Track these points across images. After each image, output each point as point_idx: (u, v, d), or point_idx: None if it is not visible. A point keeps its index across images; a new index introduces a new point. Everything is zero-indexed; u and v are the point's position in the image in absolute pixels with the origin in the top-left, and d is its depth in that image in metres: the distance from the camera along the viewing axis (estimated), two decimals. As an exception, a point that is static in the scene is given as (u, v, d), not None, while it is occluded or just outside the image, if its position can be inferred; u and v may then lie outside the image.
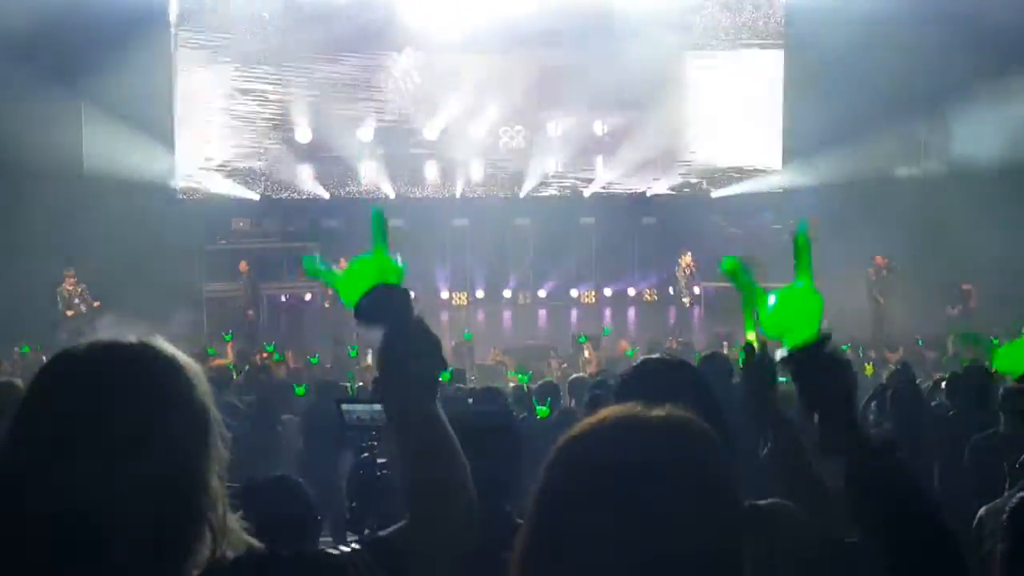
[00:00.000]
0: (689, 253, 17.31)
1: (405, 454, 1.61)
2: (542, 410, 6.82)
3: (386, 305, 1.61)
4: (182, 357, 1.32)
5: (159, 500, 1.22)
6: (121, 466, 1.20)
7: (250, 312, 15.75)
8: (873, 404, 6.66)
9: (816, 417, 1.65)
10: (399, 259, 1.65)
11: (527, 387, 8.05)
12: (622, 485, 1.20)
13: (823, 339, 1.63)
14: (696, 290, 17.32)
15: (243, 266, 15.80)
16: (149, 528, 1.21)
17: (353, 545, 1.48)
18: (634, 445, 1.24)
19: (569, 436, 1.30)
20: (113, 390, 1.24)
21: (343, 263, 1.69)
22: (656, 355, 2.56)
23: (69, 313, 14.20)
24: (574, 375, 9.20)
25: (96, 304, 14.25)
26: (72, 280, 14.43)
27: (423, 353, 1.59)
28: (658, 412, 1.28)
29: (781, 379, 2.00)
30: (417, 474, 1.58)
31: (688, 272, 17.40)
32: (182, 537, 1.24)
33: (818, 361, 1.62)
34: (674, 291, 17.22)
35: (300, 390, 9.25)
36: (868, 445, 1.61)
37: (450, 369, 8.75)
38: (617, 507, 1.19)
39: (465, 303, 19.00)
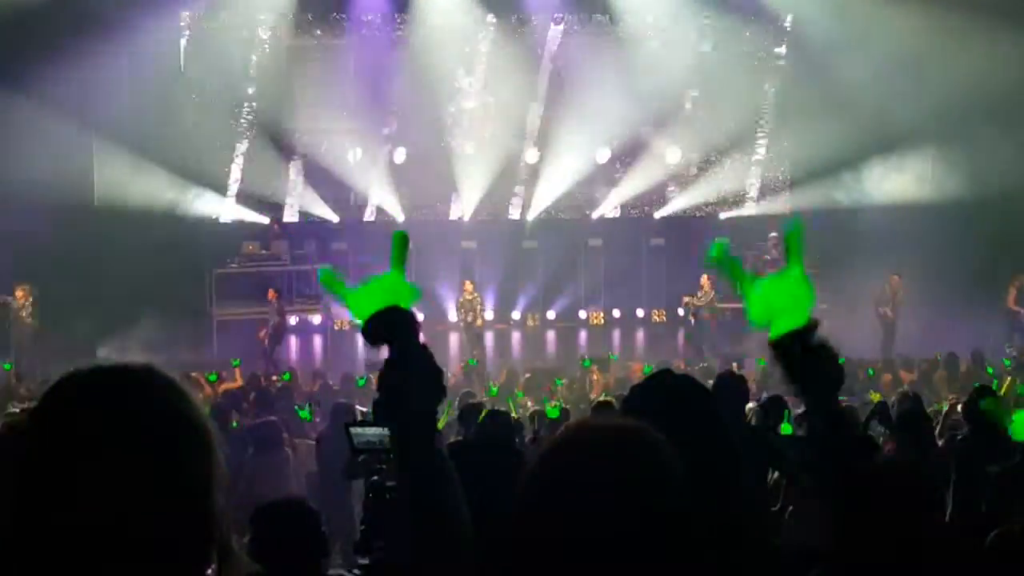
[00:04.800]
0: (704, 276, 16.53)
1: (403, 477, 1.63)
2: None
3: (393, 328, 1.61)
4: (177, 378, 1.35)
5: (169, 519, 1.23)
6: (129, 485, 1.21)
7: (263, 335, 15.73)
8: (875, 421, 6.61)
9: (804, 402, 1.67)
10: (414, 282, 1.65)
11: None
12: (573, 489, 1.31)
13: (810, 327, 1.62)
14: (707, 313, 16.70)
15: (271, 294, 15.90)
16: (160, 546, 1.22)
17: (355, 571, 1.50)
18: (584, 453, 1.36)
19: (539, 451, 1.42)
20: (116, 410, 1.25)
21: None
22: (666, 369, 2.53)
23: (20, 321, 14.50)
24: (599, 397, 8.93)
25: (30, 322, 14.45)
26: (23, 292, 14.66)
27: (424, 381, 1.60)
28: (609, 422, 1.39)
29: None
30: (415, 497, 1.59)
31: (710, 296, 16.52)
32: (192, 554, 1.25)
33: (804, 349, 1.62)
34: (695, 315, 16.45)
35: (304, 413, 9.20)
36: (850, 441, 1.65)
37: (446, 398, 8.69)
38: (568, 512, 1.30)
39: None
